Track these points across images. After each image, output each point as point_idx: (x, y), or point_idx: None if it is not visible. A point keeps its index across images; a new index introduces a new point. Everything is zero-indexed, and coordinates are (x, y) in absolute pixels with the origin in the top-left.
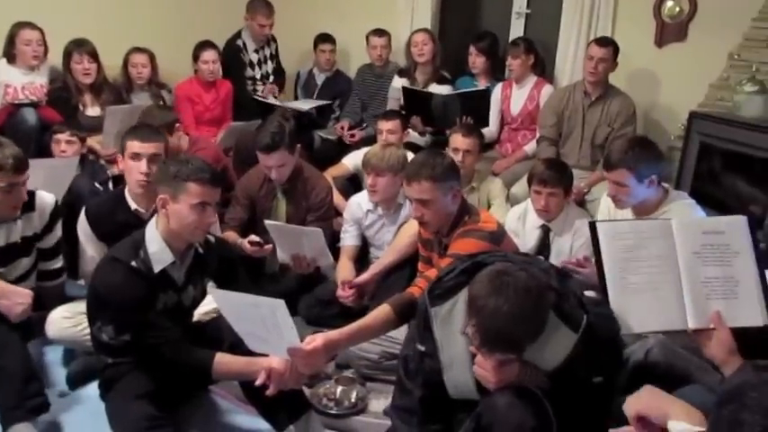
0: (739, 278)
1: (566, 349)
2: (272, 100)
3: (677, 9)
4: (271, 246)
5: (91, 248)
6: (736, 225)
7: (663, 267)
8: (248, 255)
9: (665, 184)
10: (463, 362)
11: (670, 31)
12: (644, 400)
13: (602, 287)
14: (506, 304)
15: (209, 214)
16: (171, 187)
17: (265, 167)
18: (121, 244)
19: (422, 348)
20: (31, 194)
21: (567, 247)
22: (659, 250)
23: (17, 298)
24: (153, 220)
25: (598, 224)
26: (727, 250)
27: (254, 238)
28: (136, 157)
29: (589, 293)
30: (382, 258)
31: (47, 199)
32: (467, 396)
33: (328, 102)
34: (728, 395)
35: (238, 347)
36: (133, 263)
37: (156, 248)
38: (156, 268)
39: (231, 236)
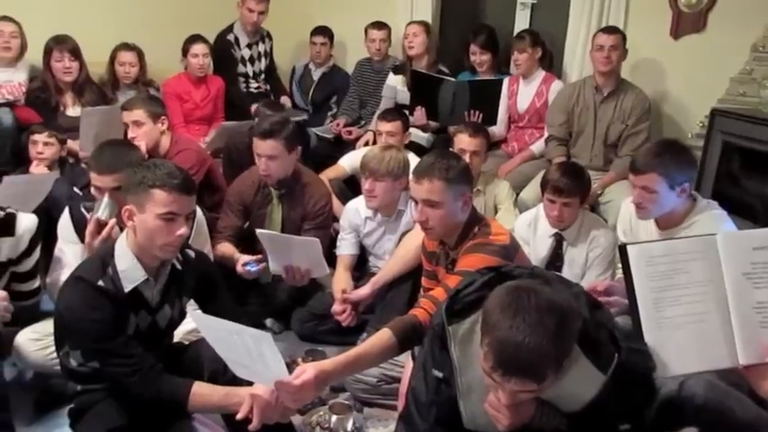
0: None
1: (591, 391)
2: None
3: None
4: (265, 265)
5: (71, 253)
6: None
7: (706, 295)
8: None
9: (694, 193)
10: (484, 389)
11: (687, 22)
12: None
13: (635, 322)
14: (525, 321)
15: (178, 226)
16: (137, 196)
17: (256, 155)
18: (88, 261)
19: (439, 375)
20: (12, 217)
21: (582, 258)
22: (702, 274)
23: None
24: (123, 235)
25: (629, 247)
26: None
27: (246, 258)
28: (97, 189)
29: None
30: (385, 270)
31: (28, 223)
32: (483, 430)
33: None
34: None
35: (220, 377)
36: (100, 282)
37: (126, 266)
38: (127, 287)
39: (227, 249)
